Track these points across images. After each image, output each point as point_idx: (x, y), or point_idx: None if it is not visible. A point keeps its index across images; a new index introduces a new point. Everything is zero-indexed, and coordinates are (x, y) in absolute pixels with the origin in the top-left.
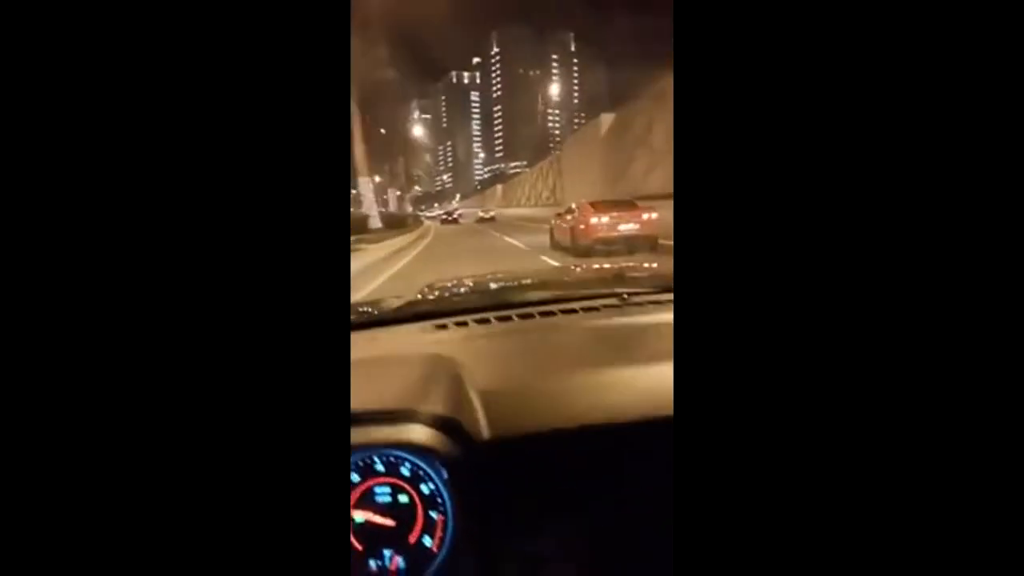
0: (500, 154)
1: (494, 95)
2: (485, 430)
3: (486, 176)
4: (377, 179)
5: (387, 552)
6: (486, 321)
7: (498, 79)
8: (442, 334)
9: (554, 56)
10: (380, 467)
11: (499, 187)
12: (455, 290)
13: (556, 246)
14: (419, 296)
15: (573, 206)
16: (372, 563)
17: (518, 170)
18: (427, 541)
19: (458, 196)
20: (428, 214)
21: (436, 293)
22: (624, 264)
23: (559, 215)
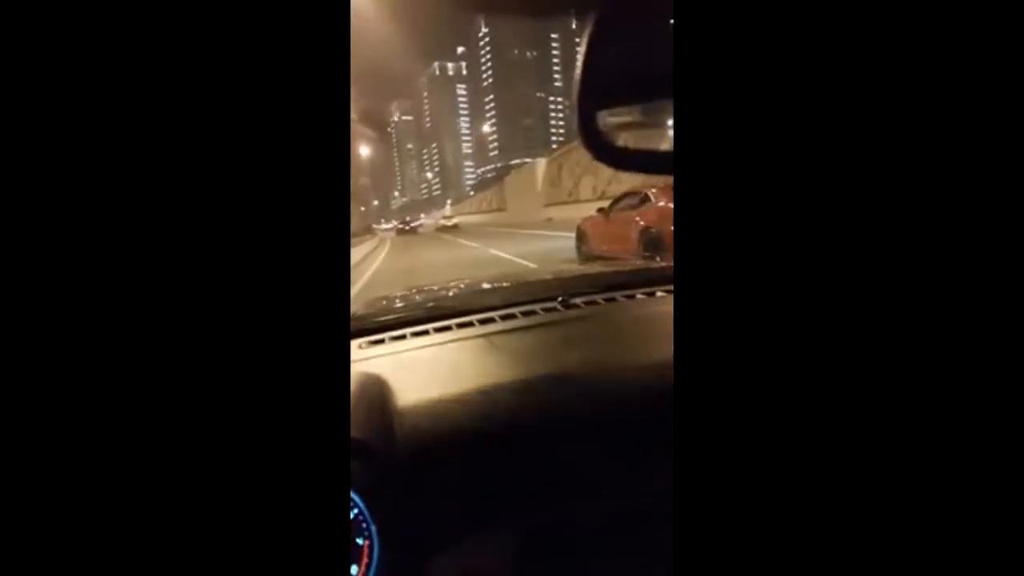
0: (495, 152)
1: (484, 84)
2: (404, 452)
3: (487, 176)
4: None
5: None
6: (424, 333)
7: (488, 66)
8: (377, 349)
9: (553, 35)
10: None
11: (540, 164)
12: (398, 303)
13: (590, 256)
14: (359, 312)
15: (652, 193)
16: None
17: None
18: (352, 570)
19: (449, 202)
20: (384, 226)
21: (380, 305)
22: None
23: (602, 211)
